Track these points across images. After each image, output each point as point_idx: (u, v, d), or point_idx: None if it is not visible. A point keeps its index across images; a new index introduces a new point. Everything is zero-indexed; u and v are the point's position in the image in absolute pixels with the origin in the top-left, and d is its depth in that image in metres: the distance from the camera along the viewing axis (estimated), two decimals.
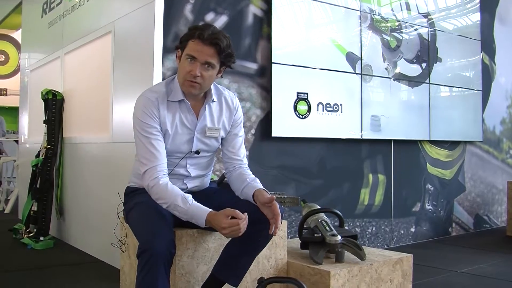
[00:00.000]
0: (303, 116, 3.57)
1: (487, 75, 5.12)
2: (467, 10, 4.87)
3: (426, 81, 4.42)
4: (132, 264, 2.25)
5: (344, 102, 3.79)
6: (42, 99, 4.22)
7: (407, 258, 2.53)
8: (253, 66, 3.42)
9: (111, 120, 3.41)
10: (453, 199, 4.76)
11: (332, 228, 2.39)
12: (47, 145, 4.07)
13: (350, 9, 3.90)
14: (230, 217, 1.76)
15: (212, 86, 2.04)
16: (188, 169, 2.06)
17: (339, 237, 2.32)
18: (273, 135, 3.43)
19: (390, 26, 4.19)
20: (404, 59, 4.27)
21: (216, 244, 2.12)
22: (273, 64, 3.43)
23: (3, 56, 11.55)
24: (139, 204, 1.95)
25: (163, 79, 2.75)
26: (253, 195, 1.93)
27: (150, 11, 3.02)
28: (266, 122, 3.45)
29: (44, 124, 4.15)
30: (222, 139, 2.12)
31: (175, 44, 2.02)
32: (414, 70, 4.35)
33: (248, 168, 2.11)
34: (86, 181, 3.83)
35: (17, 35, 10.59)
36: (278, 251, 2.34)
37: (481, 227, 5.06)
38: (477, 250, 4.07)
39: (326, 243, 2.33)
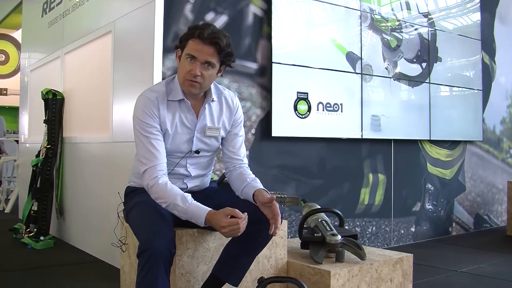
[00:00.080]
0: (303, 116, 3.57)
1: (487, 74, 5.12)
2: (467, 9, 4.87)
3: (426, 81, 4.42)
4: (132, 264, 2.25)
5: (344, 102, 3.79)
6: (42, 98, 4.21)
7: (407, 257, 2.53)
8: (253, 66, 3.42)
9: (111, 120, 3.41)
10: (453, 199, 4.76)
11: (332, 227, 2.39)
12: (47, 145, 4.07)
13: (350, 9, 3.89)
14: (229, 216, 1.76)
15: (212, 86, 2.04)
16: (188, 169, 2.06)
17: (339, 237, 2.32)
18: (273, 134, 3.43)
19: (390, 26, 4.19)
20: (404, 58, 4.27)
21: (216, 244, 2.12)
22: (273, 64, 3.43)
23: (3, 56, 11.54)
24: (139, 203, 1.94)
25: (163, 79, 2.74)
26: (253, 195, 1.93)
27: (150, 10, 3.02)
28: (266, 121, 3.45)
29: (44, 124, 4.15)
30: (222, 138, 2.12)
31: (175, 43, 2.02)
32: (414, 69, 4.35)
33: (249, 168, 2.11)
34: (86, 180, 3.83)
35: (17, 34, 10.58)
36: (278, 251, 2.34)
37: (481, 226, 5.06)
38: (477, 249, 4.07)
39: (326, 243, 2.33)
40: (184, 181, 2.07)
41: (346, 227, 2.87)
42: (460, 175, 4.81)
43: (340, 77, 3.79)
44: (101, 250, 3.48)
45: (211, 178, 2.27)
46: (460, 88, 4.77)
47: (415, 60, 4.36)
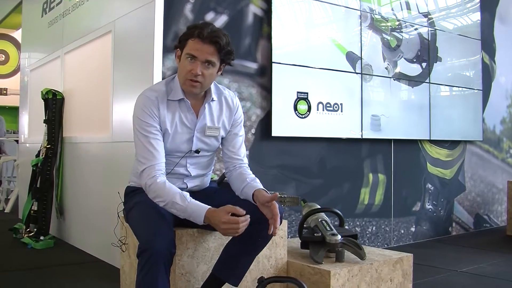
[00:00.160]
0: (303, 116, 3.57)
1: (487, 74, 5.12)
2: (467, 9, 4.87)
3: (426, 81, 4.42)
4: (132, 264, 2.25)
5: (344, 102, 3.79)
6: (42, 98, 4.21)
7: (407, 257, 2.53)
8: (253, 66, 3.42)
9: (111, 119, 3.41)
10: (453, 199, 4.76)
11: (332, 227, 2.39)
12: (47, 145, 4.07)
13: (350, 9, 3.89)
14: (230, 214, 1.76)
15: (212, 85, 2.04)
16: (188, 169, 2.06)
17: (339, 237, 2.32)
18: (273, 134, 3.43)
19: (390, 26, 4.19)
20: (404, 58, 4.27)
21: (216, 243, 2.12)
22: (273, 64, 3.43)
23: (3, 56, 11.54)
24: (139, 203, 1.94)
25: (163, 79, 2.74)
26: (253, 195, 1.93)
27: (150, 10, 3.02)
28: (266, 121, 3.45)
29: (44, 124, 4.15)
30: (222, 138, 2.12)
31: (174, 43, 2.02)
32: (414, 69, 4.35)
33: (249, 168, 2.11)
34: (86, 180, 3.83)
35: (17, 34, 10.59)
36: (278, 251, 2.34)
37: (481, 226, 5.06)
38: (477, 249, 4.07)
39: (326, 243, 2.33)
40: (184, 181, 2.07)
41: (346, 227, 2.86)
42: (460, 175, 4.81)
43: (340, 77, 3.79)
44: (101, 250, 3.48)
45: (211, 178, 2.27)
46: (460, 88, 4.77)
47: (415, 60, 4.36)
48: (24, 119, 5.32)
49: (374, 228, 4.08)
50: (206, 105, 2.04)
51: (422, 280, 3.04)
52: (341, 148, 3.88)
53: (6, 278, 2.99)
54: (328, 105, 3.70)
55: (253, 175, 2.04)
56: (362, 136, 3.91)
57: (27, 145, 5.16)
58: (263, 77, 3.46)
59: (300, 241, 2.51)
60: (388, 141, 4.18)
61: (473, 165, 4.96)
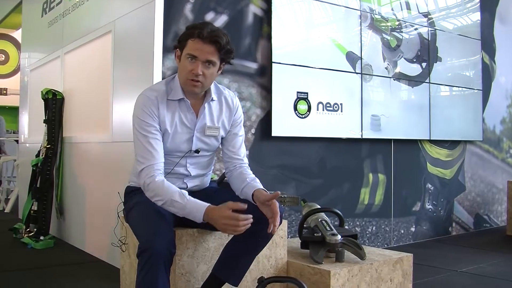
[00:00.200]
0: (303, 116, 3.57)
1: (487, 74, 5.12)
2: (467, 9, 4.87)
3: (426, 81, 4.42)
4: (132, 264, 2.25)
5: (344, 102, 3.79)
6: (42, 98, 4.21)
7: (407, 257, 2.53)
8: (253, 66, 3.42)
9: (111, 119, 3.41)
10: (453, 199, 4.76)
11: (332, 227, 2.39)
12: (47, 145, 4.07)
13: (350, 9, 3.89)
14: (231, 211, 1.76)
15: (212, 85, 2.04)
16: (188, 168, 2.06)
17: (339, 237, 2.32)
18: (273, 134, 3.43)
19: (390, 26, 4.19)
20: (404, 58, 4.27)
21: (216, 243, 2.12)
22: (273, 64, 3.43)
23: (3, 56, 11.54)
24: (139, 203, 1.94)
25: (163, 79, 2.75)
26: (253, 194, 1.93)
27: (150, 10, 3.02)
28: (266, 121, 3.45)
29: (44, 124, 4.15)
30: (222, 138, 2.12)
31: (174, 44, 2.02)
32: (414, 69, 4.35)
33: (249, 168, 2.11)
34: (86, 180, 3.83)
35: (17, 34, 10.59)
36: (278, 251, 2.34)
37: (481, 226, 5.06)
38: (477, 249, 4.07)
39: (326, 243, 2.33)
40: (184, 181, 2.07)
41: (346, 227, 2.86)
42: (460, 175, 4.81)
43: (340, 77, 3.79)
44: (101, 250, 3.48)
45: (211, 178, 2.27)
46: (460, 88, 4.77)
47: (415, 60, 4.36)
48: (24, 119, 5.33)
49: (374, 228, 4.08)
50: (206, 105, 2.04)
51: (422, 280, 3.04)
52: (341, 148, 3.88)
53: (6, 278, 2.99)
54: (328, 105, 3.70)
55: (253, 175, 2.04)
56: (362, 136, 3.91)
57: (27, 145, 5.16)
58: (263, 77, 3.46)
59: (300, 241, 2.51)
60: (388, 141, 4.18)
61: (473, 165, 4.96)
